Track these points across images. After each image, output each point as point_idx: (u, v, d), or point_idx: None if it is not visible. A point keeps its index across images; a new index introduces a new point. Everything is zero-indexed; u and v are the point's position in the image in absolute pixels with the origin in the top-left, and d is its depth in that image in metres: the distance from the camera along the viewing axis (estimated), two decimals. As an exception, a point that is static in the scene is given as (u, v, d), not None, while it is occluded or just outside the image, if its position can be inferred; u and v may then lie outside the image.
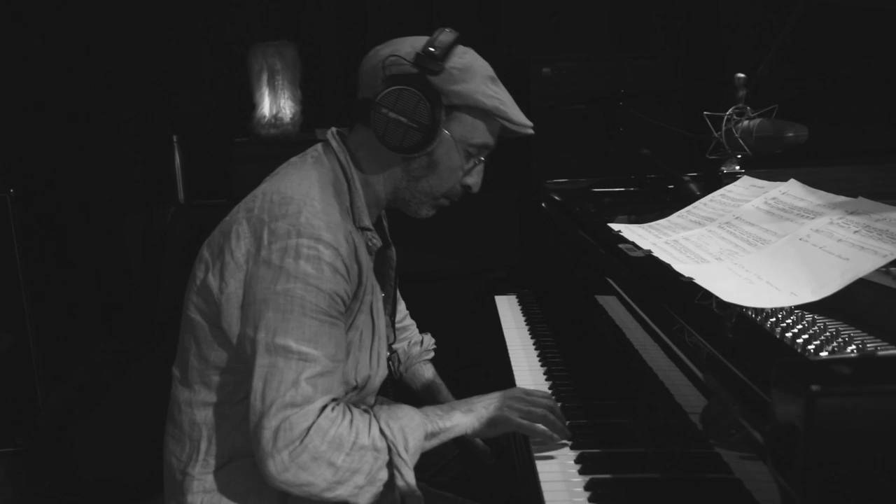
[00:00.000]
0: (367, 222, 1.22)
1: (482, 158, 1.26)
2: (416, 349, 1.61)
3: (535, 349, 1.58)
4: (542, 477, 1.04)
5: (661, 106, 2.69)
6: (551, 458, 1.11)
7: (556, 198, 2.00)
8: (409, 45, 1.19)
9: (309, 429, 1.05)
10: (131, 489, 2.22)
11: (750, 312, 1.08)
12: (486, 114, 1.20)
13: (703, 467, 0.89)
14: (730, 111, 1.79)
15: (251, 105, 2.79)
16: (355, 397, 1.19)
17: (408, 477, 1.10)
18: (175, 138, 2.81)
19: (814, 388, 0.52)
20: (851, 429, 0.52)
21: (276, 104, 2.78)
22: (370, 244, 1.23)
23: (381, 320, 1.26)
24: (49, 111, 3.01)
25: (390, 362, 1.59)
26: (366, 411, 1.14)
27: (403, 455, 1.10)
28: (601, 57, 2.90)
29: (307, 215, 1.09)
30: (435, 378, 1.61)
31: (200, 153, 2.97)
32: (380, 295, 1.26)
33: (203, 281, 1.16)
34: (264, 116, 2.78)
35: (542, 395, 1.24)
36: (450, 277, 2.78)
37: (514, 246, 2.68)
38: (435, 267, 2.84)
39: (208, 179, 2.93)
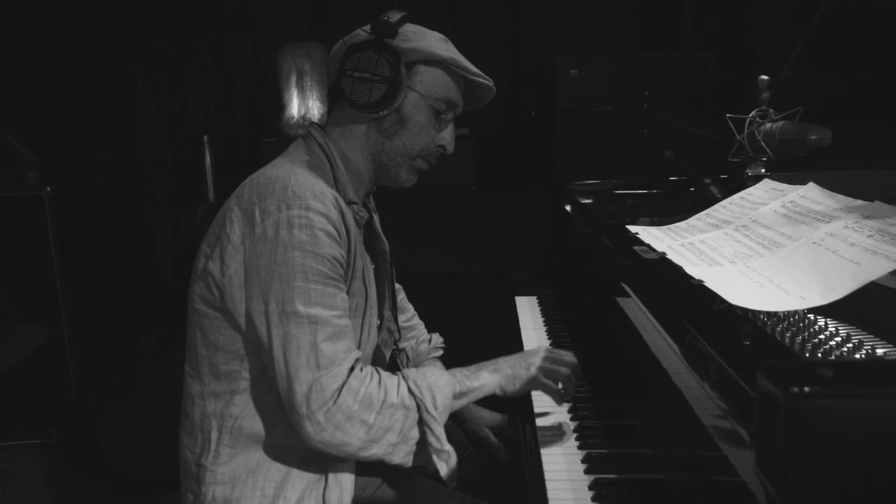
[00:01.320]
0: (352, 196, 1.27)
1: (452, 119, 1.32)
2: (424, 346, 1.63)
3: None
4: (547, 476, 1.05)
5: (690, 108, 2.66)
6: (558, 456, 1.12)
7: (579, 199, 2.00)
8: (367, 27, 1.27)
9: (340, 389, 1.10)
10: (159, 482, 2.28)
11: (762, 316, 1.08)
12: (444, 65, 1.27)
13: (708, 469, 0.89)
14: (752, 113, 1.77)
15: (280, 106, 2.83)
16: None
17: (438, 433, 1.14)
18: (206, 138, 2.86)
19: (794, 389, 0.53)
20: (832, 431, 0.53)
21: (304, 105, 2.82)
22: (357, 217, 1.28)
23: (373, 290, 1.30)
24: (82, 112, 3.09)
25: (398, 360, 1.61)
26: (394, 373, 1.18)
27: (433, 412, 1.14)
28: (629, 59, 2.88)
29: (293, 188, 1.14)
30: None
31: (230, 153, 3.03)
32: (370, 266, 1.30)
33: (203, 269, 1.20)
34: (293, 117, 2.81)
35: (567, 353, 1.27)
36: (474, 278, 2.79)
37: (541, 247, 2.69)
38: (460, 268, 2.85)
39: (238, 179, 2.96)
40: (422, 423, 1.15)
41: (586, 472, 1.06)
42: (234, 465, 1.21)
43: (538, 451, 1.14)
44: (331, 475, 1.21)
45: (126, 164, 3.15)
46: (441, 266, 2.87)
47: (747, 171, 1.83)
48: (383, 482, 1.28)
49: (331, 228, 1.14)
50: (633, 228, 1.57)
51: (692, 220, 1.57)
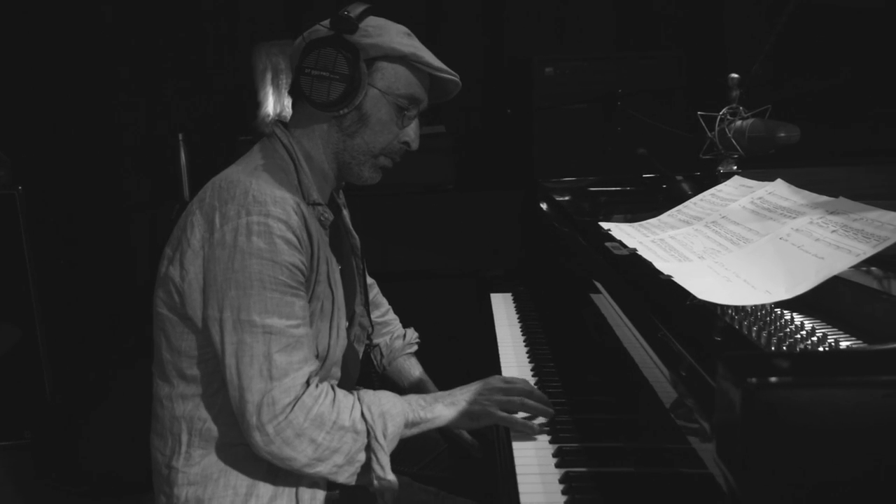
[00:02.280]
0: (316, 197, 1.26)
1: (416, 115, 1.30)
2: (399, 342, 1.63)
3: (525, 346, 1.59)
4: (518, 469, 1.06)
5: (665, 105, 2.69)
6: (530, 451, 1.13)
7: (553, 196, 2.01)
8: (326, 22, 1.25)
9: (291, 404, 1.09)
10: (133, 483, 2.26)
11: (730, 310, 1.10)
12: (406, 61, 1.25)
13: (677, 462, 0.91)
14: (723, 111, 1.79)
15: (256, 104, 2.81)
16: (320, 370, 1.22)
17: (384, 462, 1.14)
18: (180, 137, 2.84)
19: (751, 380, 0.54)
20: (788, 420, 0.54)
21: (280, 103, 2.80)
22: (322, 218, 1.27)
23: (340, 291, 1.29)
24: (55, 110, 3.05)
25: (372, 356, 1.61)
26: (351, 393, 1.17)
27: (381, 440, 1.14)
28: (604, 56, 2.90)
29: (253, 193, 1.13)
30: (419, 372, 1.62)
31: (205, 152, 3.01)
32: (336, 267, 1.29)
33: (165, 273, 1.19)
34: (268, 115, 2.80)
35: (521, 381, 1.28)
36: (449, 276, 2.80)
37: (517, 245, 2.70)
38: (436, 266, 2.86)
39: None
40: (369, 448, 1.14)
41: (557, 465, 1.07)
42: (206, 464, 1.20)
43: (510, 445, 1.15)
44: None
45: (102, 162, 3.11)
46: (417, 264, 2.87)
47: (719, 168, 1.86)
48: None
49: (290, 236, 1.13)
50: (605, 225, 1.59)
51: (664, 217, 1.59)
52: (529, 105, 2.87)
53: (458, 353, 2.00)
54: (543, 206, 2.03)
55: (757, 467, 0.54)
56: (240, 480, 1.19)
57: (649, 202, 1.79)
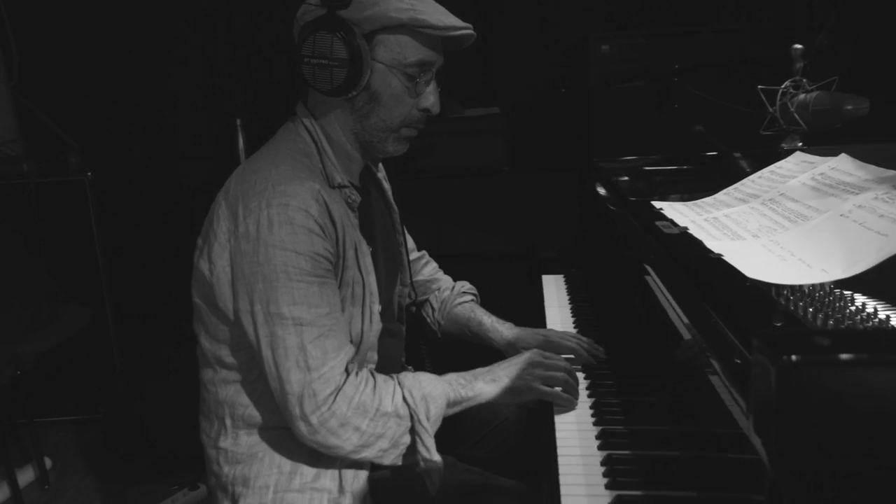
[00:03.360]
0: (340, 180, 1.23)
1: (432, 78, 1.23)
2: (448, 293, 1.60)
3: (574, 327, 1.57)
4: (560, 451, 1.05)
5: (726, 81, 2.59)
6: (572, 432, 1.11)
7: (608, 177, 1.97)
8: None
9: (333, 395, 1.09)
10: (195, 458, 2.33)
11: (785, 291, 1.05)
12: (407, 28, 1.17)
13: (724, 447, 0.87)
14: (785, 84, 1.71)
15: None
16: (356, 355, 1.22)
17: (428, 443, 1.14)
18: (238, 122, 2.89)
19: (785, 357, 0.51)
20: (824, 399, 0.51)
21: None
22: (349, 201, 1.25)
23: (371, 276, 1.26)
24: (121, 98, 3.15)
25: (424, 314, 1.59)
26: (391, 378, 1.17)
27: (424, 423, 1.14)
28: (662, 33, 2.81)
29: (273, 184, 1.12)
30: (482, 314, 1.56)
31: (263, 137, 3.05)
32: (366, 250, 1.26)
33: (196, 266, 1.20)
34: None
35: (560, 360, 1.27)
36: (505, 259, 2.78)
37: (572, 227, 2.66)
38: (491, 248, 2.85)
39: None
40: (413, 431, 1.14)
41: (600, 447, 1.05)
42: (250, 444, 1.22)
43: (552, 425, 1.13)
44: (348, 452, 1.22)
45: (164, 147, 3.20)
46: (472, 246, 2.86)
47: (782, 144, 1.78)
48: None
49: (312, 224, 1.12)
50: (658, 204, 1.54)
51: (719, 195, 1.54)
52: (585, 84, 2.82)
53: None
54: (596, 186, 1.98)
55: (790, 446, 0.52)
56: (284, 460, 1.21)
57: (706, 181, 1.73)
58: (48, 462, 2.65)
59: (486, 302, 1.92)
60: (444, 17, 1.19)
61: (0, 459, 2.56)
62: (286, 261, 1.09)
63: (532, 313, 1.84)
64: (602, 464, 1.00)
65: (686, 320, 0.86)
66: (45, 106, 3.10)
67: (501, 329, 1.50)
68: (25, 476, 2.56)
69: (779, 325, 0.70)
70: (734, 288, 0.86)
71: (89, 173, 2.88)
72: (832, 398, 0.51)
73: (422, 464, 1.15)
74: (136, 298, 3.20)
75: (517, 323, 1.58)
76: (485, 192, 2.87)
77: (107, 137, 3.18)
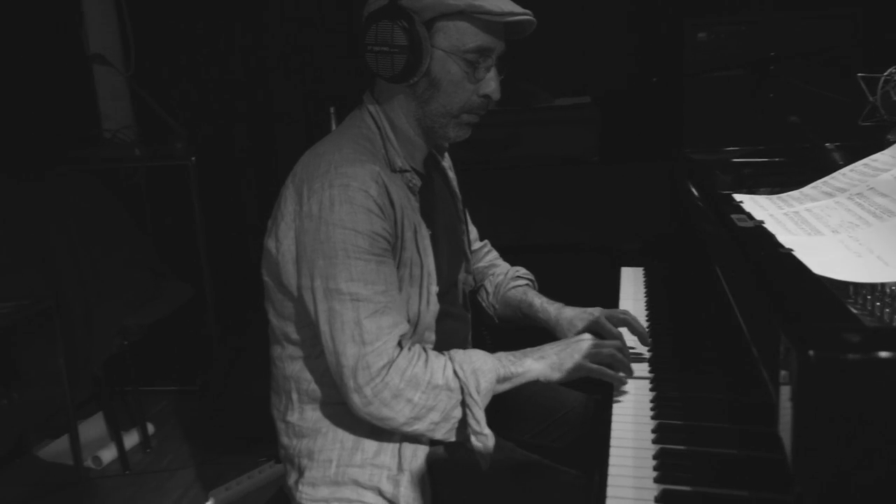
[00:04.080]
0: (401, 164, 1.27)
1: (492, 64, 1.25)
2: (502, 277, 1.61)
3: (647, 320, 1.54)
4: (613, 441, 1.04)
5: (831, 70, 2.45)
6: (628, 424, 1.10)
7: (693, 168, 1.91)
8: None
9: (386, 367, 1.13)
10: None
11: (864, 291, 1.00)
12: (465, 14, 1.19)
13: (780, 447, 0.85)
14: (889, 71, 1.61)
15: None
16: (412, 335, 1.24)
17: (479, 416, 1.16)
18: (332, 110, 2.98)
19: (809, 353, 0.49)
20: (849, 397, 0.49)
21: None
22: (410, 185, 1.28)
23: (429, 258, 1.29)
24: (224, 87, 3.32)
25: (480, 299, 1.61)
26: (442, 354, 1.20)
27: (475, 396, 1.16)
28: (764, 19, 2.68)
29: (336, 166, 1.16)
30: (533, 296, 1.55)
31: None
32: (426, 233, 1.29)
33: (265, 246, 1.26)
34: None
35: (611, 341, 1.27)
36: (591, 250, 2.75)
37: (661, 219, 2.60)
38: (578, 239, 2.82)
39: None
40: (464, 404, 1.17)
41: (654, 441, 1.03)
42: (316, 419, 1.28)
43: (609, 416, 1.13)
44: (407, 430, 1.25)
45: (261, 133, 3.35)
46: (558, 237, 2.84)
47: (888, 136, 1.68)
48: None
49: (371, 204, 1.15)
50: (738, 197, 1.49)
51: (806, 189, 1.47)
52: (680, 72, 2.73)
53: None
54: (681, 177, 1.93)
55: (809, 445, 0.50)
56: (346, 435, 1.26)
57: (797, 174, 1.66)
58: (151, 428, 2.84)
59: (567, 291, 1.90)
60: (502, 4, 1.21)
61: (109, 422, 2.78)
62: (345, 239, 1.14)
63: (608, 305, 1.81)
64: (654, 457, 0.98)
65: (739, 314, 0.84)
66: (156, 94, 3.31)
67: (550, 309, 1.50)
68: (131, 439, 2.76)
69: (831, 322, 0.67)
70: (794, 283, 0.83)
71: (193, 158, 3.05)
72: (858, 397, 0.49)
73: (472, 438, 1.17)
74: (233, 276, 3.37)
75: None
76: (573, 183, 2.84)
77: (210, 125, 3.35)
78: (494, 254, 1.70)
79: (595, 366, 1.22)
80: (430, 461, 1.26)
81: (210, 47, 3.32)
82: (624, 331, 1.40)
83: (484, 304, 1.61)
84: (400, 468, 1.24)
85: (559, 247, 2.82)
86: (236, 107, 3.35)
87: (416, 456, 1.25)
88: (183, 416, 3.02)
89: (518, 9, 1.22)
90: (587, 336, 1.28)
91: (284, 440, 1.33)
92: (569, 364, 1.23)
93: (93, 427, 2.83)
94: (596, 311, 1.45)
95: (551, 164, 2.84)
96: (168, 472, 2.60)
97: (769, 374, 0.62)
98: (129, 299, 2.70)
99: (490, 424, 1.20)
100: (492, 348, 1.57)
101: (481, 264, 1.65)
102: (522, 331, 1.58)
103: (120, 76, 3.25)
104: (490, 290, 1.61)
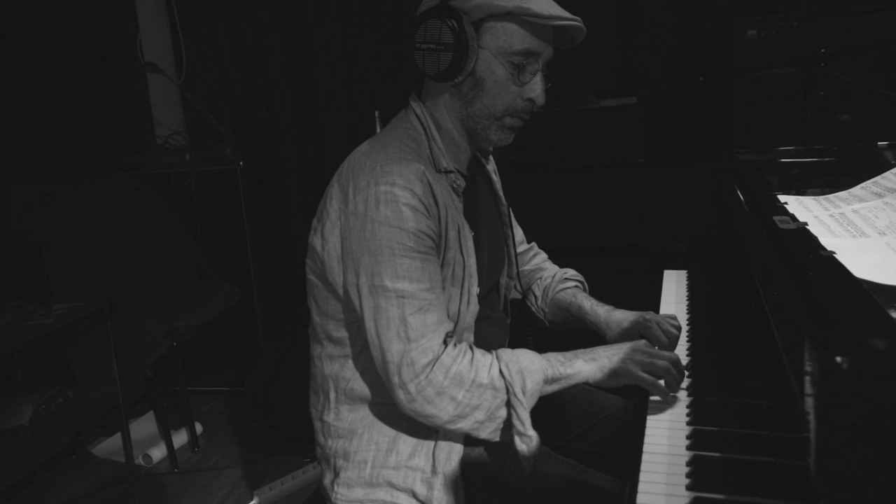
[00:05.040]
0: (446, 165, 1.27)
1: (539, 69, 1.24)
2: (549, 280, 1.59)
3: (688, 324, 1.51)
4: (646, 447, 1.02)
5: (887, 65, 2.36)
6: (663, 429, 1.07)
7: (742, 169, 1.87)
8: None
9: (430, 364, 1.13)
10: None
11: None
12: (513, 16, 1.19)
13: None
14: (944, 67, 1.55)
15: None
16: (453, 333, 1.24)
17: (523, 417, 1.15)
18: (377, 114, 3.00)
19: (832, 359, 0.47)
20: (874, 406, 0.46)
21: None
22: (454, 185, 1.28)
23: (472, 259, 1.28)
24: (272, 93, 3.38)
25: (529, 303, 1.59)
26: (489, 352, 1.20)
27: (520, 396, 1.15)
28: (817, 14, 2.60)
29: (381, 165, 1.17)
30: (583, 298, 1.53)
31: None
32: (469, 234, 1.29)
33: (310, 243, 1.27)
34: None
35: (668, 352, 1.23)
36: (636, 252, 2.71)
37: (707, 221, 2.54)
38: (623, 241, 2.78)
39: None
40: (509, 404, 1.15)
41: (689, 447, 1.01)
42: (352, 420, 1.29)
43: (644, 421, 1.10)
44: (442, 433, 1.25)
45: (307, 138, 3.40)
46: (604, 239, 2.80)
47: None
48: (492, 443, 1.30)
49: (416, 202, 1.16)
50: (783, 198, 1.45)
51: (855, 190, 1.42)
52: (729, 71, 2.67)
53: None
54: (726, 178, 1.88)
55: (837, 444, 0.48)
56: (382, 437, 1.27)
57: (847, 174, 1.60)
58: (199, 427, 2.90)
59: (608, 294, 1.87)
60: (551, 8, 1.21)
61: (159, 422, 2.85)
62: (391, 236, 1.15)
63: (650, 307, 1.78)
64: (688, 464, 0.96)
65: (771, 317, 0.81)
66: (205, 101, 3.39)
67: (599, 311, 1.48)
68: (180, 438, 2.82)
69: (866, 328, 0.64)
70: (830, 286, 0.80)
71: (241, 163, 3.11)
72: (886, 405, 0.46)
73: (517, 439, 1.16)
74: (281, 279, 3.42)
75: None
76: (618, 185, 2.80)
77: (258, 130, 3.42)
78: (542, 256, 1.68)
79: (647, 376, 1.19)
80: (465, 464, 1.26)
81: (257, 54, 3.38)
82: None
83: (534, 308, 1.60)
84: (434, 471, 1.24)
85: (604, 249, 2.78)
86: (283, 112, 3.40)
87: (451, 459, 1.24)
88: (230, 417, 3.08)
89: (566, 14, 1.22)
90: (643, 343, 1.25)
91: (321, 439, 1.34)
92: (620, 370, 1.20)
93: (144, 426, 2.91)
94: (648, 315, 1.42)
95: (596, 165, 2.80)
96: (215, 471, 2.65)
97: (795, 379, 0.60)
98: (179, 302, 2.76)
99: (494, 440, 1.19)
100: (535, 351, 1.57)
101: (528, 267, 1.64)
102: (567, 334, 1.57)
103: (172, 84, 3.34)
104: (538, 293, 1.60)
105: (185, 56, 3.45)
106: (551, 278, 1.59)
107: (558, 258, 1.78)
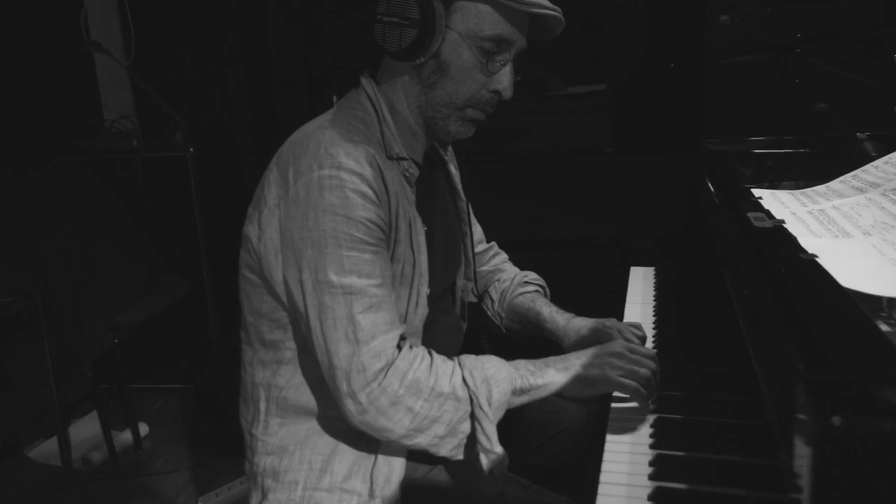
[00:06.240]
0: (398, 151, 1.15)
1: (509, 59, 1.12)
2: (508, 283, 1.47)
3: (654, 328, 1.40)
4: (603, 477, 0.90)
5: (865, 51, 2.27)
6: (623, 455, 0.96)
7: (714, 160, 1.76)
8: None
9: (384, 370, 1.01)
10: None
11: (885, 305, 0.86)
12: None
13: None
14: (927, 53, 1.45)
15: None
16: None
17: (489, 431, 1.03)
18: (335, 99, 2.85)
19: (832, 418, 0.36)
20: (881, 473, 0.35)
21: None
22: (407, 174, 1.16)
23: (423, 256, 1.16)
24: (225, 77, 3.22)
25: (485, 307, 1.48)
26: (451, 358, 1.08)
27: (486, 408, 1.03)
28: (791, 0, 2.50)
29: (325, 146, 1.04)
30: (543, 304, 1.41)
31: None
32: (421, 228, 1.17)
33: (245, 234, 1.14)
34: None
35: (646, 353, 1.11)
36: (603, 245, 2.61)
37: (678, 215, 2.45)
38: (589, 234, 2.68)
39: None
40: (473, 417, 1.03)
41: (651, 477, 0.89)
42: (283, 435, 1.16)
43: (602, 443, 0.99)
44: (381, 452, 1.13)
45: (264, 125, 3.24)
46: (570, 232, 2.70)
47: (925, 125, 1.52)
48: (438, 464, 1.18)
49: (365, 188, 1.03)
50: (758, 192, 1.35)
51: (833, 183, 1.32)
52: (701, 58, 2.57)
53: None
54: (697, 170, 1.78)
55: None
56: (315, 455, 1.14)
57: (824, 166, 1.50)
58: (145, 428, 2.75)
59: (572, 291, 1.75)
60: None
61: (102, 422, 2.69)
62: (336, 226, 1.02)
63: (614, 307, 1.67)
64: (650, 498, 0.85)
65: (748, 340, 0.70)
66: (156, 84, 3.21)
67: (558, 319, 1.36)
68: (124, 440, 2.67)
69: (866, 358, 0.53)
70: (817, 303, 0.68)
71: (192, 149, 2.94)
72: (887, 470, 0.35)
73: (482, 457, 1.04)
74: (234, 271, 3.26)
75: (597, 316, 1.43)
76: (586, 175, 2.70)
77: (210, 114, 3.25)
78: (502, 257, 1.56)
79: (629, 382, 1.06)
80: (406, 487, 1.14)
81: (212, 36, 3.21)
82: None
83: (489, 312, 1.48)
84: (371, 494, 1.11)
85: (570, 242, 2.68)
86: (238, 96, 3.24)
87: (390, 481, 1.12)
88: (180, 416, 2.93)
89: (546, 2, 1.11)
90: (620, 345, 1.12)
91: (249, 454, 1.22)
92: (598, 378, 1.08)
93: (87, 427, 2.75)
94: (609, 323, 1.30)
95: (563, 155, 2.70)
96: (160, 475, 2.50)
97: (782, 430, 0.49)
98: (121, 296, 2.60)
99: (456, 459, 1.06)
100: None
101: (486, 268, 1.51)
102: (525, 341, 1.45)
103: (120, 65, 3.16)
104: (496, 296, 1.47)
105: (133, 35, 3.27)
106: (510, 281, 1.47)
107: (522, 251, 1.66)
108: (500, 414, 1.06)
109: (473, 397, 1.03)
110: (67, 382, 2.47)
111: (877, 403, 0.36)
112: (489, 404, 1.03)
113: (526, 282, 1.46)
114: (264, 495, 1.17)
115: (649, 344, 1.31)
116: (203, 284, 3.03)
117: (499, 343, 1.51)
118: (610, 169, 2.69)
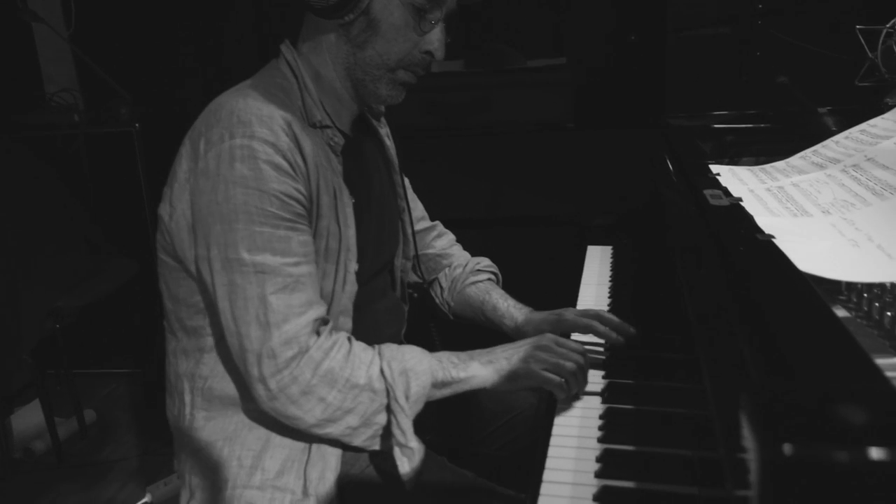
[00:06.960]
0: (320, 118, 1.07)
1: (441, 18, 1.06)
2: (459, 271, 1.40)
3: (608, 311, 1.34)
4: (546, 475, 0.85)
5: (827, 23, 2.23)
6: (570, 448, 0.90)
7: (674, 135, 1.70)
8: None
9: (296, 357, 0.95)
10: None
11: (861, 289, 0.80)
12: None
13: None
14: (890, 24, 1.40)
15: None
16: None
17: (405, 425, 0.98)
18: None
19: (782, 446, 0.29)
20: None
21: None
22: (332, 143, 1.09)
23: (350, 230, 1.09)
24: (173, 49, 3.08)
25: (433, 293, 1.41)
26: (371, 347, 1.02)
27: (402, 401, 0.98)
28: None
29: (238, 114, 0.96)
30: (498, 296, 1.35)
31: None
32: (348, 200, 1.10)
33: (159, 214, 1.06)
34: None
35: (574, 347, 1.06)
36: (563, 223, 2.55)
37: (640, 192, 2.40)
38: (549, 212, 2.61)
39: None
40: (389, 410, 0.98)
41: (598, 474, 0.84)
42: (210, 430, 1.08)
43: (548, 435, 0.93)
44: (314, 447, 1.06)
45: (212, 97, 3.11)
46: (529, 209, 2.63)
47: (887, 99, 1.47)
48: (374, 460, 1.11)
49: (279, 160, 0.96)
50: (716, 168, 1.29)
51: (793, 159, 1.27)
52: (662, 30, 2.50)
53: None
54: (656, 146, 1.72)
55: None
56: (245, 451, 1.06)
57: (783, 141, 1.46)
58: (92, 415, 2.64)
59: (528, 270, 1.69)
60: None
61: (45, 410, 2.58)
62: (247, 200, 0.95)
63: (570, 288, 1.62)
64: (596, 498, 0.79)
65: (696, 337, 0.64)
66: (100, 56, 3.05)
67: (515, 313, 1.30)
68: (69, 428, 2.56)
69: (823, 359, 0.47)
70: (773, 293, 0.62)
71: (137, 124, 2.81)
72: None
73: (396, 450, 0.99)
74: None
75: (551, 298, 1.37)
76: (546, 151, 2.63)
77: (158, 88, 3.11)
78: (449, 238, 1.48)
79: (552, 376, 1.03)
80: (343, 484, 1.07)
81: (158, 2, 3.06)
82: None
83: (437, 300, 1.41)
84: (305, 492, 1.04)
85: (528, 219, 2.61)
86: (187, 69, 3.10)
87: (325, 477, 1.05)
88: (129, 402, 2.83)
89: None
90: (548, 338, 1.08)
91: (177, 450, 1.14)
92: (521, 371, 1.04)
93: (30, 416, 2.63)
94: (564, 312, 1.25)
95: (523, 130, 2.63)
96: (107, 464, 2.41)
97: (728, 457, 0.42)
98: (62, 279, 2.48)
99: (421, 429, 1.01)
100: (439, 346, 1.37)
101: (431, 251, 1.43)
102: (475, 327, 1.38)
103: (58, 36, 3.00)
104: (445, 284, 1.40)
105: (73, 4, 3.10)
106: (462, 268, 1.40)
107: (478, 229, 1.59)
108: (418, 407, 1.02)
109: (390, 389, 0.99)
110: (6, 370, 2.36)
111: (839, 425, 0.30)
112: (406, 398, 0.99)
113: (478, 270, 1.40)
114: (192, 494, 1.10)
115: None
116: (150, 265, 2.91)
117: (447, 329, 1.45)
118: (570, 144, 2.62)
